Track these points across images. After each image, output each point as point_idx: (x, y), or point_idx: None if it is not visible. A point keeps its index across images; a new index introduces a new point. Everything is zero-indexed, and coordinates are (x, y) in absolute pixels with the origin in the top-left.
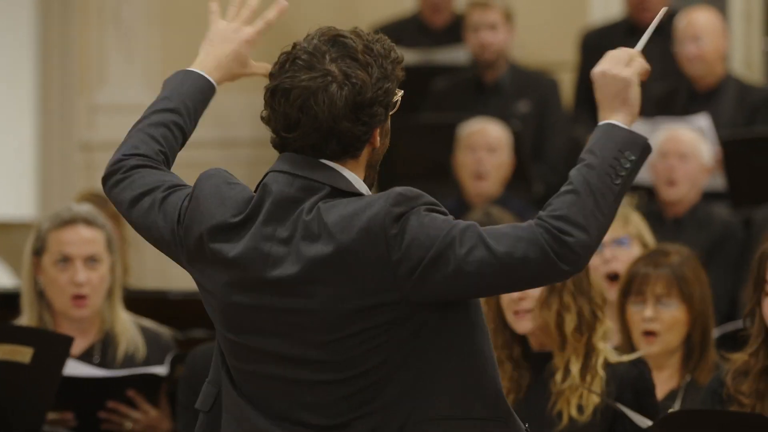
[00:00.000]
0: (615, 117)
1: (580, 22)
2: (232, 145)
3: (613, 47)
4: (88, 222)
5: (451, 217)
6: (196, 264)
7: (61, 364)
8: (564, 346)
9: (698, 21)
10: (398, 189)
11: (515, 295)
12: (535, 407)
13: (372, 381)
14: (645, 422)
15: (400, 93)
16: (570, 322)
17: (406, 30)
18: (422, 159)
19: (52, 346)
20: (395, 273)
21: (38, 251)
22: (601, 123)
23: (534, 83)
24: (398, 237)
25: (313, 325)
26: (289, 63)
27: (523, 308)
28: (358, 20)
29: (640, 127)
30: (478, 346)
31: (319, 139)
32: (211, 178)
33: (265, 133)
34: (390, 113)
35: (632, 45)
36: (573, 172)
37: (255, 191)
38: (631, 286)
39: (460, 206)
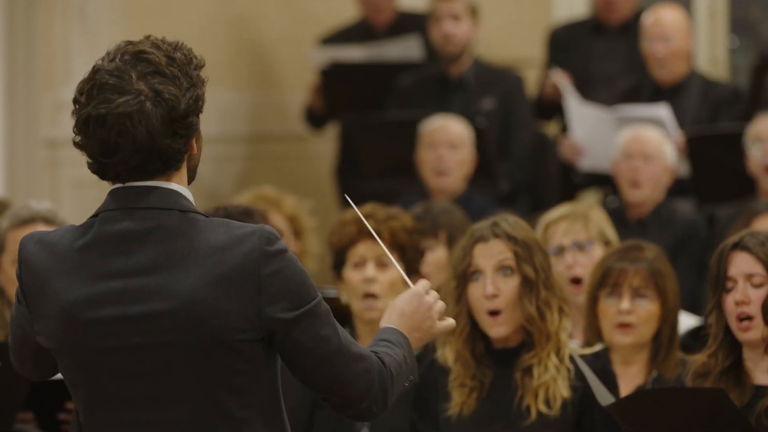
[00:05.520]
0: (411, 339)
1: (545, 19)
2: (230, 140)
3: (580, 44)
4: (48, 220)
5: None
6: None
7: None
8: (547, 342)
9: (665, 19)
10: (266, 227)
11: (488, 291)
12: (499, 403)
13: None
14: (608, 398)
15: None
16: (551, 317)
17: (354, 36)
18: (386, 156)
19: None
20: (260, 311)
21: None
22: (404, 334)
23: (499, 79)
24: (272, 277)
25: (178, 360)
26: (96, 89)
27: (495, 307)
28: (314, 28)
29: (602, 114)
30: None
31: (141, 160)
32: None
33: (263, 128)
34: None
35: (598, 43)
36: (398, 352)
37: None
38: (606, 279)
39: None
